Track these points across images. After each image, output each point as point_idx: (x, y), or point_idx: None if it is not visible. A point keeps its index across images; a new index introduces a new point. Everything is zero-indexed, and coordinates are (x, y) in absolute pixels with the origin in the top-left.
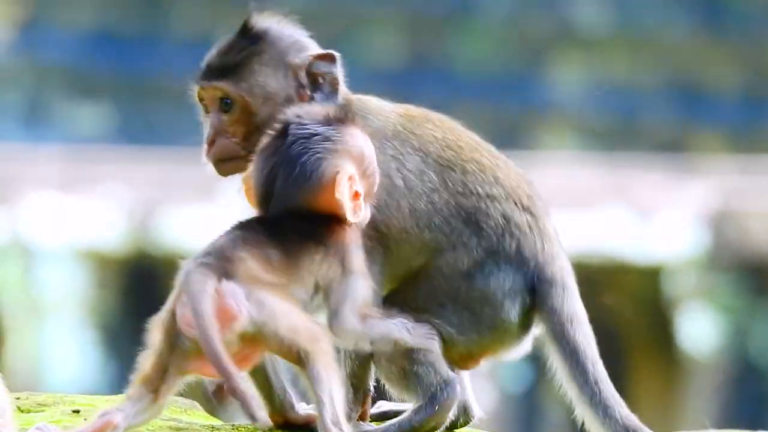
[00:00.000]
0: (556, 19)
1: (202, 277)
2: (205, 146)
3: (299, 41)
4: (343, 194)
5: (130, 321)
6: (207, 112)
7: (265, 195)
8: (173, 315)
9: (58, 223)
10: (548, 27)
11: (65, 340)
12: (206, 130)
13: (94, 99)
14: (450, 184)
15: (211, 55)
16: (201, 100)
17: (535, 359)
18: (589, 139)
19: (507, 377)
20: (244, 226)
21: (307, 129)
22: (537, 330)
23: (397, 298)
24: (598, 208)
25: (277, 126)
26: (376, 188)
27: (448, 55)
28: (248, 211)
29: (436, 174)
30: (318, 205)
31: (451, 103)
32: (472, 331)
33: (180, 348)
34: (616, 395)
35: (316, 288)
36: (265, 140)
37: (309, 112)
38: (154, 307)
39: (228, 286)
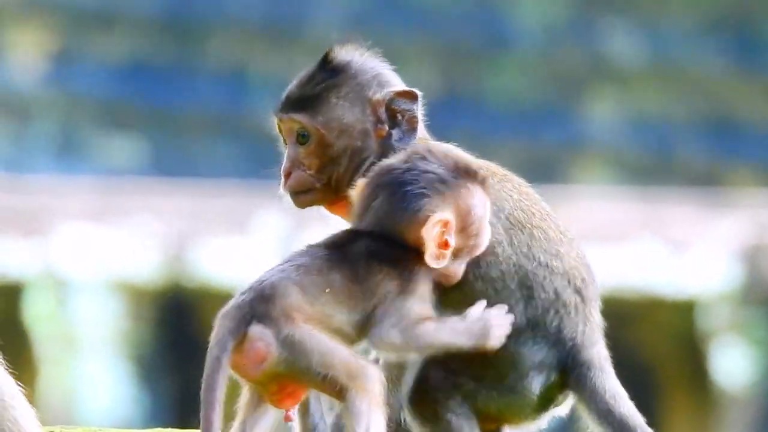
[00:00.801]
0: (590, 53)
1: (227, 323)
2: (282, 178)
3: (381, 75)
4: (429, 234)
5: (163, 353)
6: (285, 143)
7: (363, 209)
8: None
9: (91, 255)
10: (582, 61)
11: (99, 373)
12: (284, 161)
13: (127, 131)
14: (515, 243)
15: (291, 86)
16: (280, 131)
17: None
18: (623, 172)
19: None
20: (312, 250)
21: (429, 165)
22: (562, 410)
23: None
24: (632, 242)
25: (403, 156)
26: (476, 251)
27: (482, 88)
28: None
29: (504, 230)
30: (404, 236)
31: (484, 136)
32: (493, 388)
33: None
34: None
35: (374, 308)
36: (386, 162)
37: (441, 152)
38: (188, 339)
39: (256, 329)
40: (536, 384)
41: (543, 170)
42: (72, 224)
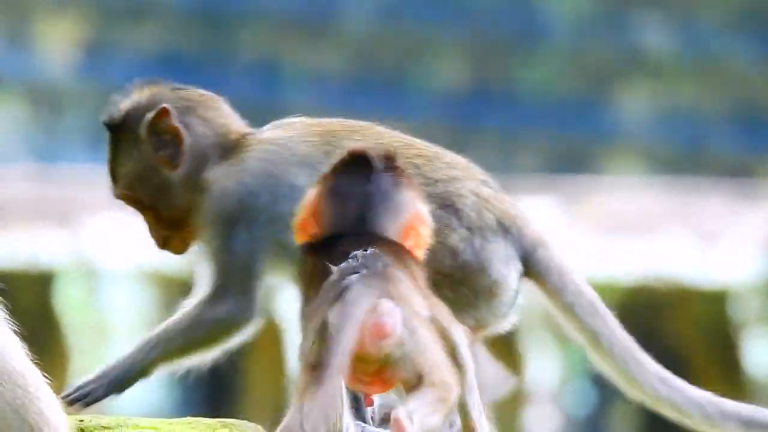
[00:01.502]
0: (622, 45)
1: (363, 289)
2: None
3: (135, 113)
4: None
5: None
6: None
7: (346, 219)
8: (326, 325)
9: (123, 244)
10: (614, 53)
11: None
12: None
13: None
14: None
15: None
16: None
17: (600, 383)
18: (655, 164)
19: (572, 401)
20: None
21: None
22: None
23: None
24: (663, 234)
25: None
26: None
27: (513, 80)
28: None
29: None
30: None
31: (516, 128)
32: (485, 301)
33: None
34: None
35: None
36: (338, 169)
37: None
38: None
39: (388, 304)
40: (513, 279)
41: (575, 162)
42: (104, 214)
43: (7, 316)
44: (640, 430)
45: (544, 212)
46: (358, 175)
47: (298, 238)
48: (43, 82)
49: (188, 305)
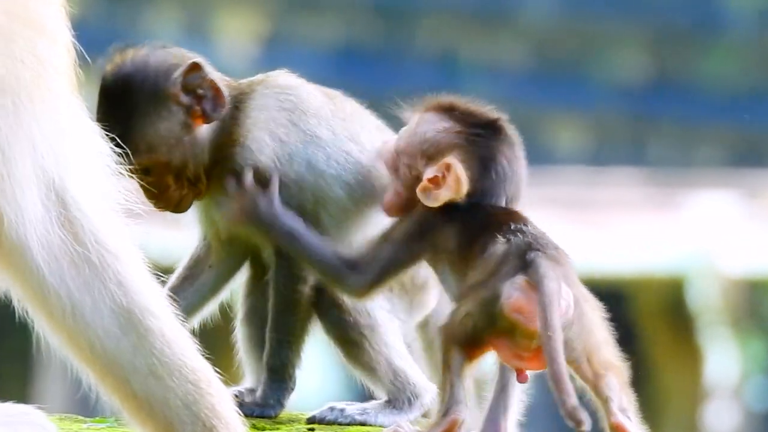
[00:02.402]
0: None
1: (552, 268)
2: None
3: (161, 67)
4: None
5: None
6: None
7: (491, 189)
8: (495, 296)
9: None
10: None
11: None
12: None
13: None
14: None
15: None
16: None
17: None
18: None
19: (752, 396)
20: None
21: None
22: None
23: None
24: None
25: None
26: None
27: (694, 73)
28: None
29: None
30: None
31: (696, 121)
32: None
33: (491, 331)
34: None
35: None
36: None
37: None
38: None
39: (564, 285)
40: None
41: (755, 155)
42: None
43: (178, 312)
44: None
45: (724, 206)
46: (502, 144)
47: (428, 201)
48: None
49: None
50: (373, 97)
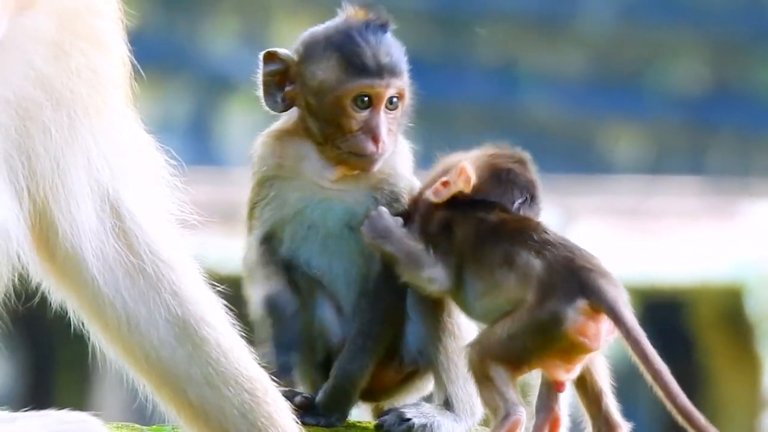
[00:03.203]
0: None
1: (618, 293)
2: (380, 142)
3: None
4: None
5: None
6: (354, 109)
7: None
8: (556, 320)
9: None
10: None
11: None
12: (380, 127)
13: None
14: None
15: (368, 51)
16: (360, 96)
17: None
18: None
19: None
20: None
21: None
22: None
23: None
24: None
25: None
26: None
27: (753, 81)
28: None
29: None
30: None
31: (755, 130)
32: None
33: (547, 352)
34: None
35: None
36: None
37: None
38: None
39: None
40: None
41: None
42: None
43: (234, 321)
44: None
45: None
46: (515, 161)
47: (434, 198)
48: None
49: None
50: (432, 106)
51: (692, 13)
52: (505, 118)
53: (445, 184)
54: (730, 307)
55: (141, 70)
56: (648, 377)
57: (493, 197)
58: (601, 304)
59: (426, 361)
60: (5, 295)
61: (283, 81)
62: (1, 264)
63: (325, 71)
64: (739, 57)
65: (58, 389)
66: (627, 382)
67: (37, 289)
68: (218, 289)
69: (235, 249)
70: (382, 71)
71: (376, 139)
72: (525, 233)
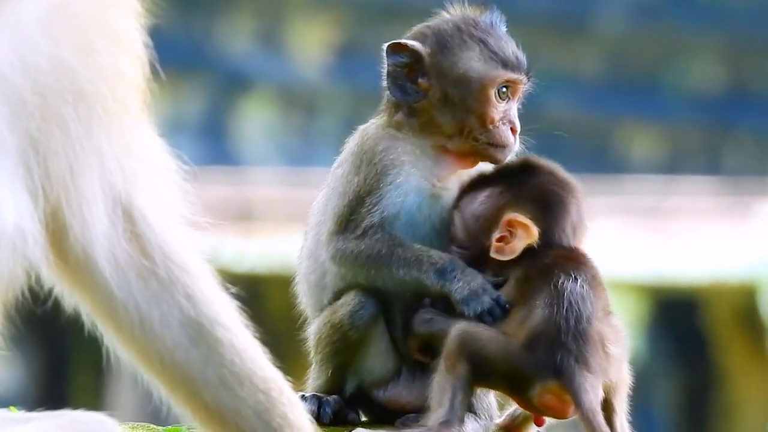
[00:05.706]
0: None
1: (586, 380)
2: (517, 134)
3: None
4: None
5: None
6: (501, 99)
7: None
8: (528, 381)
9: None
10: None
11: None
12: (515, 120)
13: None
14: None
15: (508, 46)
16: (504, 86)
17: None
18: None
19: None
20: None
21: None
22: None
23: None
24: None
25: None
26: None
27: None
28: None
29: None
30: None
31: None
32: None
33: (510, 393)
34: None
35: None
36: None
37: None
38: None
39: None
40: None
41: None
42: None
43: (248, 321)
44: None
45: None
46: (543, 178)
47: (505, 256)
48: (295, 85)
49: None
50: None
51: (709, 13)
52: (522, 118)
53: (504, 240)
54: (744, 306)
55: (157, 70)
56: None
57: (556, 235)
58: (568, 390)
59: None
60: (21, 296)
61: (412, 72)
62: (17, 265)
63: (468, 62)
64: (756, 57)
65: (74, 390)
66: (642, 384)
67: (51, 290)
68: (231, 291)
69: (250, 247)
70: (521, 64)
71: (514, 131)
72: (563, 269)
